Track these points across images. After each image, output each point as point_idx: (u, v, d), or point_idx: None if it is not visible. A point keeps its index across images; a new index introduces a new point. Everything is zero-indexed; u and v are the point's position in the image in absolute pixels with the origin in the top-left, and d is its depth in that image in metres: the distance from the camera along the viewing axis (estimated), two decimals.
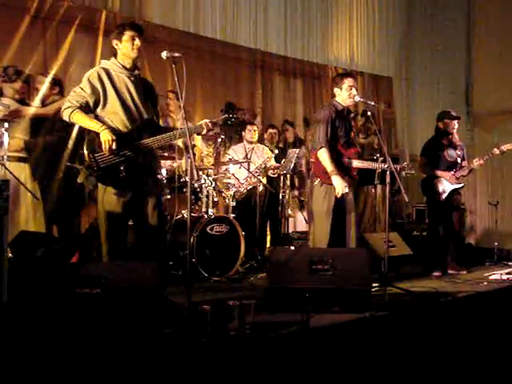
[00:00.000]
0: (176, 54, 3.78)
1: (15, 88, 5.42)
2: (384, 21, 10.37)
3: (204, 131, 4.05)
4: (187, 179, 4.25)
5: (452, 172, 6.38)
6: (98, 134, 3.77)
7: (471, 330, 4.53)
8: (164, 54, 3.81)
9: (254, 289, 5.20)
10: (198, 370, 2.92)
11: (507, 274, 5.98)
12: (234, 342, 3.19)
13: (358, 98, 5.19)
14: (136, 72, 4.03)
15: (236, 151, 7.13)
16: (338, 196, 5.01)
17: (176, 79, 3.73)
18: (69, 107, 3.82)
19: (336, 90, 5.26)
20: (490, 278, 5.89)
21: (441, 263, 6.33)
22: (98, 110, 3.92)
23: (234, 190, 6.44)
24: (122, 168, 3.82)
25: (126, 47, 3.93)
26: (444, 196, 6.34)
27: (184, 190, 5.78)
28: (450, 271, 6.32)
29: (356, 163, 5.24)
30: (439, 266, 6.31)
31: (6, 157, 4.99)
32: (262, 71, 8.84)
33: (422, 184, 6.70)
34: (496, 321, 4.83)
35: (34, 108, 5.55)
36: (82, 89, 3.86)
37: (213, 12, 7.83)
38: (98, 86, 3.87)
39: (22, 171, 5.31)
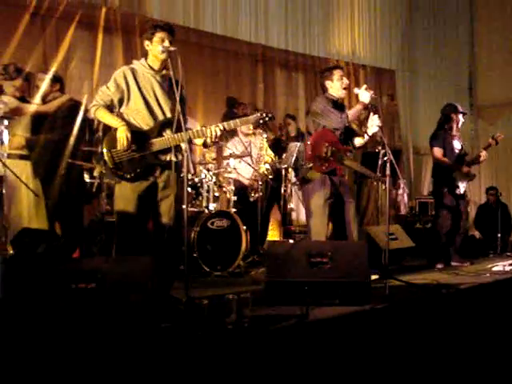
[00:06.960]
0: (171, 48, 3.83)
1: (16, 86, 5.39)
2: (386, 13, 10.34)
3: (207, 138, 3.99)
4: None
5: (465, 166, 6.36)
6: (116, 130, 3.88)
7: (473, 322, 4.51)
8: (159, 49, 3.83)
9: (255, 283, 5.18)
10: (195, 363, 2.92)
11: (510, 265, 5.96)
12: (231, 336, 3.19)
13: (356, 90, 5.17)
14: (163, 72, 4.04)
15: (234, 145, 6.97)
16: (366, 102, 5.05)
17: (172, 73, 3.75)
18: (94, 105, 3.98)
19: (327, 82, 5.21)
20: (493, 269, 5.86)
21: (444, 255, 6.30)
22: (122, 108, 4.01)
23: (248, 188, 6.52)
24: (136, 163, 3.89)
25: (156, 48, 3.95)
26: (462, 191, 6.30)
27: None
28: (453, 263, 6.29)
29: (347, 162, 5.17)
30: (442, 257, 6.28)
31: (5, 154, 4.99)
32: (264, 65, 8.83)
33: (436, 174, 6.63)
34: (498, 312, 4.82)
35: (34, 105, 5.52)
36: (107, 87, 3.98)
37: (213, 6, 7.82)
38: (123, 85, 3.96)
39: (24, 169, 5.29)
